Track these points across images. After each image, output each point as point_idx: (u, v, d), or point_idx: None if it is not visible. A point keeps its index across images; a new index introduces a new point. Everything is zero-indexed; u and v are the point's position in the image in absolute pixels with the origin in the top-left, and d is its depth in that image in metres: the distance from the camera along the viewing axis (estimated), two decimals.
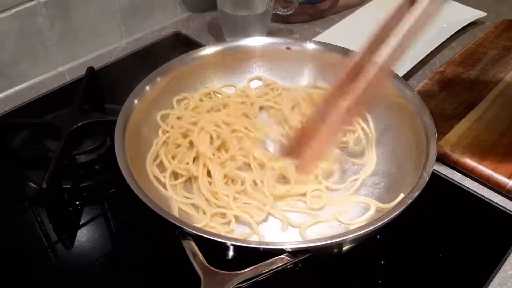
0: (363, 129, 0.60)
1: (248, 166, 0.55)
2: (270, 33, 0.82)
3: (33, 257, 0.52)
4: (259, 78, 0.67)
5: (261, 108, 0.64)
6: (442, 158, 0.62)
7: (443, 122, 0.65)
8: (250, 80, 0.66)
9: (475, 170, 0.60)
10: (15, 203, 0.57)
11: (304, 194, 0.54)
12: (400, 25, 0.46)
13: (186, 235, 0.43)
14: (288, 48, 0.65)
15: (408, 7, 0.46)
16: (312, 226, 0.51)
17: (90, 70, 0.68)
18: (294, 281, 0.47)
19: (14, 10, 0.67)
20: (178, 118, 0.59)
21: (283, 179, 0.55)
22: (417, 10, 0.46)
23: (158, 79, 0.59)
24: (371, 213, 0.51)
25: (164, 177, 0.53)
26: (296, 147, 0.56)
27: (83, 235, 0.54)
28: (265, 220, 0.52)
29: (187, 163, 0.54)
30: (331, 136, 0.54)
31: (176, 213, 0.51)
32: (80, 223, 0.55)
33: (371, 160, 0.58)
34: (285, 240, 0.49)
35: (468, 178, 0.61)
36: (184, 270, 0.42)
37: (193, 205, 0.52)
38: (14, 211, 0.56)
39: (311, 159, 0.54)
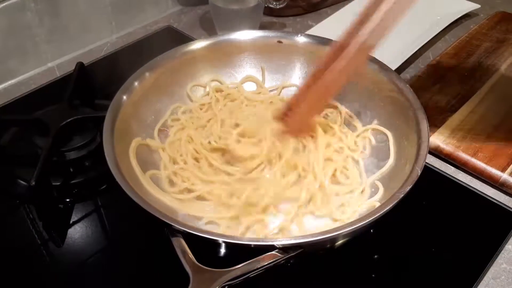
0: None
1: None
2: (262, 27, 0.82)
3: (23, 255, 0.51)
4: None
5: None
6: (435, 152, 0.61)
7: (437, 115, 0.64)
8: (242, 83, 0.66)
9: (468, 163, 0.59)
10: (4, 200, 0.57)
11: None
12: (380, 8, 0.48)
13: (176, 232, 0.42)
14: (280, 42, 0.64)
15: None
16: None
17: (80, 65, 0.67)
18: (286, 277, 0.47)
19: (2, 5, 0.66)
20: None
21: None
22: None
23: (147, 74, 0.58)
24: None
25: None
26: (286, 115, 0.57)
27: (74, 233, 0.53)
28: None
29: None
30: (312, 108, 0.56)
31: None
32: (71, 221, 0.54)
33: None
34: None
35: (461, 172, 0.60)
36: (175, 267, 0.41)
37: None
38: (3, 209, 0.56)
39: (294, 126, 0.56)
